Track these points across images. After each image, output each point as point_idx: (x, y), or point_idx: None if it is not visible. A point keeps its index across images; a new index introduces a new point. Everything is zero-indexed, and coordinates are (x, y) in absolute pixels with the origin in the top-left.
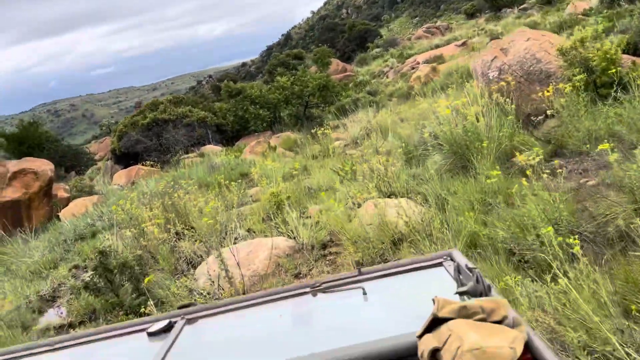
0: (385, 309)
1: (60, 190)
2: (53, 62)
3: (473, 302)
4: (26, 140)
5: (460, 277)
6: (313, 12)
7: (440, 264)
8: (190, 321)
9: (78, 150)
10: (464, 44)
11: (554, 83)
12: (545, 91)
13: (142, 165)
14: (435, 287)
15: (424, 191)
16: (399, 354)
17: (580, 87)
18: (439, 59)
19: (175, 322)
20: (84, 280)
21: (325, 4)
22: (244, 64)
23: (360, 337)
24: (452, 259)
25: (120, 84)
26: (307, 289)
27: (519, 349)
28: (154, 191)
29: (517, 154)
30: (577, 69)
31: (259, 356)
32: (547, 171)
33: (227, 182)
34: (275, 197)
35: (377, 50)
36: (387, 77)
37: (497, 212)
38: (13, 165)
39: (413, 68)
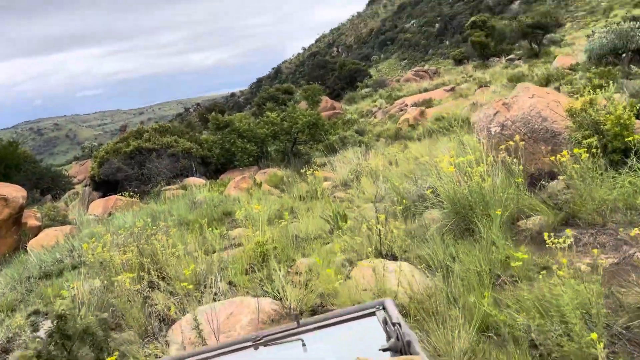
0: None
1: (31, 218)
2: (39, 81)
3: None
4: (4, 159)
5: (388, 329)
6: (304, 49)
7: (373, 314)
8: None
9: (56, 173)
10: (452, 89)
11: (564, 144)
12: (560, 155)
13: (121, 195)
14: (368, 339)
15: (425, 255)
16: None
17: (597, 153)
18: (428, 103)
19: None
20: (36, 349)
21: (316, 41)
22: (232, 94)
23: None
24: (384, 308)
25: (107, 107)
26: (249, 343)
27: None
28: (130, 231)
29: (525, 219)
30: (587, 131)
31: None
32: (562, 241)
33: (209, 222)
34: (260, 247)
35: (366, 90)
36: (375, 117)
37: (512, 290)
38: None
39: (401, 110)
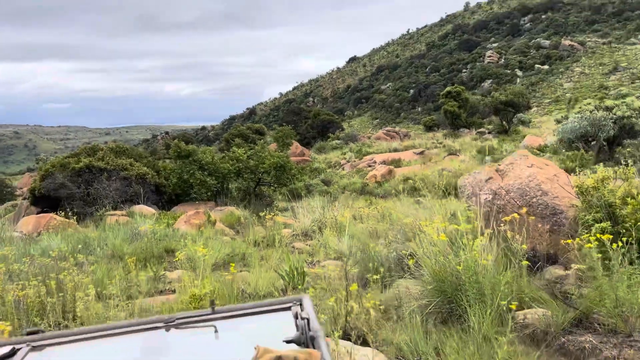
0: (234, 348)
1: None
2: (5, 87)
3: (289, 353)
4: None
5: (297, 323)
6: (281, 94)
7: (289, 308)
8: (35, 348)
9: None
10: (422, 152)
11: (565, 225)
12: (577, 241)
13: (57, 214)
14: (279, 331)
15: (402, 343)
16: None
17: (623, 248)
18: (397, 163)
19: (19, 349)
20: None
21: (294, 88)
22: (203, 128)
23: None
24: (300, 304)
25: (73, 122)
26: (161, 324)
27: None
28: (40, 263)
29: (524, 308)
30: (598, 214)
31: None
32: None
33: (146, 259)
34: (196, 301)
35: (337, 141)
36: (343, 169)
37: None
38: None
39: (370, 166)
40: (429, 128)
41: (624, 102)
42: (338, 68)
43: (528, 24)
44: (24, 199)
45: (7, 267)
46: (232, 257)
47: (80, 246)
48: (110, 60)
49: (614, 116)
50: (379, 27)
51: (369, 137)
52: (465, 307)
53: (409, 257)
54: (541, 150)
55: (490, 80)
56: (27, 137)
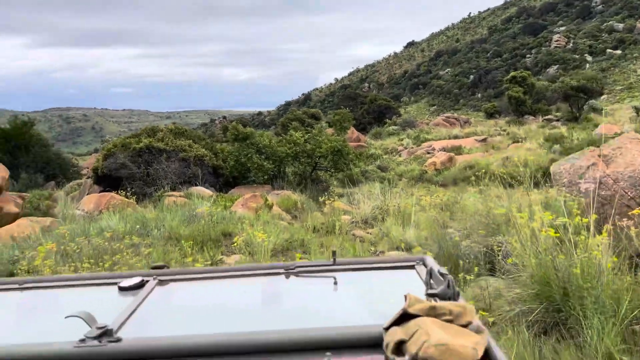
0: (354, 299)
1: (9, 204)
2: (75, 72)
3: (443, 304)
4: (14, 138)
5: (431, 281)
6: (336, 79)
7: (412, 267)
8: (162, 282)
9: (65, 160)
10: (484, 140)
11: None
12: None
13: (117, 193)
14: (405, 287)
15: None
16: (363, 343)
17: None
18: (457, 150)
19: (147, 281)
20: None
21: (349, 74)
22: (259, 113)
23: (328, 322)
24: (424, 264)
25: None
26: (281, 270)
27: (480, 352)
28: (95, 244)
29: None
30: None
31: (226, 325)
32: None
33: (203, 242)
34: None
35: (394, 127)
36: (400, 155)
37: None
38: None
39: (428, 153)
40: (490, 115)
41: None
42: (395, 53)
43: (600, 6)
44: (88, 178)
45: (63, 246)
46: (291, 242)
47: (138, 227)
48: (171, 45)
49: None
50: (439, 11)
51: (427, 124)
52: (579, 318)
53: (501, 253)
54: None
55: (557, 65)
56: (95, 120)
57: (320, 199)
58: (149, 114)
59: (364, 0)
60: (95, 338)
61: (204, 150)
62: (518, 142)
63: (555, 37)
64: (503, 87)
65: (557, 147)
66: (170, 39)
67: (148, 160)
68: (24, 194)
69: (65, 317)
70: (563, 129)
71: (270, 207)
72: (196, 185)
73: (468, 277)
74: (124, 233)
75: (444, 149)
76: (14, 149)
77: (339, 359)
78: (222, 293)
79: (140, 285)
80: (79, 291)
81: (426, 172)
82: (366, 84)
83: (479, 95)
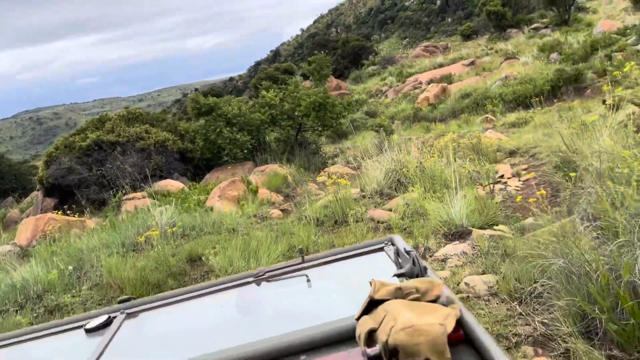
0: (328, 294)
1: None
2: (38, 70)
3: (408, 283)
4: None
5: (400, 260)
6: (302, 30)
7: (381, 249)
8: (130, 315)
9: (21, 171)
10: (472, 63)
11: None
12: None
13: (69, 206)
14: (376, 271)
15: None
16: (342, 337)
17: None
18: (447, 79)
19: (114, 317)
20: None
21: (314, 22)
22: (231, 79)
23: (305, 322)
24: (392, 244)
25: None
26: (251, 278)
27: (450, 326)
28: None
29: None
30: None
31: (203, 347)
32: None
33: (158, 283)
34: None
35: (373, 67)
36: (387, 96)
37: None
38: None
39: (415, 88)
40: (467, 37)
41: None
42: None
43: None
44: (38, 190)
45: None
46: (292, 254)
47: (70, 268)
48: (130, 25)
49: None
50: None
51: (407, 57)
52: None
53: None
54: (621, 34)
55: None
56: (67, 116)
57: (312, 175)
58: (120, 100)
59: None
60: None
61: (165, 133)
62: (510, 58)
63: None
64: (477, 4)
65: (554, 54)
66: (127, 20)
67: (99, 159)
68: None
69: None
70: (556, 35)
71: (255, 191)
72: (162, 177)
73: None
74: (49, 286)
75: (432, 81)
76: None
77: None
78: (194, 314)
79: (107, 324)
80: (46, 341)
81: (420, 109)
82: (333, 29)
83: (449, 19)
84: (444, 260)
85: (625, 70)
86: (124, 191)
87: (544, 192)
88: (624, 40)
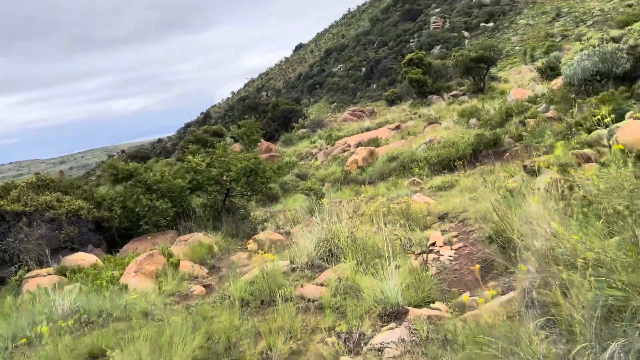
0: None
1: None
2: None
3: None
4: None
5: None
6: (233, 93)
7: None
8: None
9: None
10: (397, 127)
11: None
12: None
13: None
14: None
15: None
16: None
17: None
18: (375, 142)
19: None
20: None
21: (245, 85)
22: (160, 140)
23: None
24: None
25: (25, 156)
26: None
27: None
28: None
29: None
30: None
31: None
32: None
33: None
34: None
35: (303, 130)
36: (316, 159)
37: None
38: None
39: (344, 151)
40: (392, 102)
41: (631, 28)
42: (286, 58)
43: None
44: None
45: None
46: (211, 348)
47: None
48: (52, 86)
49: (625, 47)
50: (321, 11)
51: (335, 120)
52: None
53: None
54: (531, 102)
55: (439, 45)
56: None
57: (240, 243)
58: (39, 163)
59: (246, 12)
60: None
61: (79, 202)
62: (433, 123)
63: (433, 19)
64: (400, 71)
65: (474, 120)
66: (50, 80)
67: (1, 231)
68: None
69: None
70: (473, 102)
71: (176, 265)
72: (74, 250)
73: None
74: None
75: (360, 144)
76: None
77: None
78: None
79: None
80: None
81: (350, 172)
82: (264, 92)
83: (374, 85)
84: (380, 350)
85: (546, 142)
86: (26, 268)
87: (477, 267)
88: (535, 108)
